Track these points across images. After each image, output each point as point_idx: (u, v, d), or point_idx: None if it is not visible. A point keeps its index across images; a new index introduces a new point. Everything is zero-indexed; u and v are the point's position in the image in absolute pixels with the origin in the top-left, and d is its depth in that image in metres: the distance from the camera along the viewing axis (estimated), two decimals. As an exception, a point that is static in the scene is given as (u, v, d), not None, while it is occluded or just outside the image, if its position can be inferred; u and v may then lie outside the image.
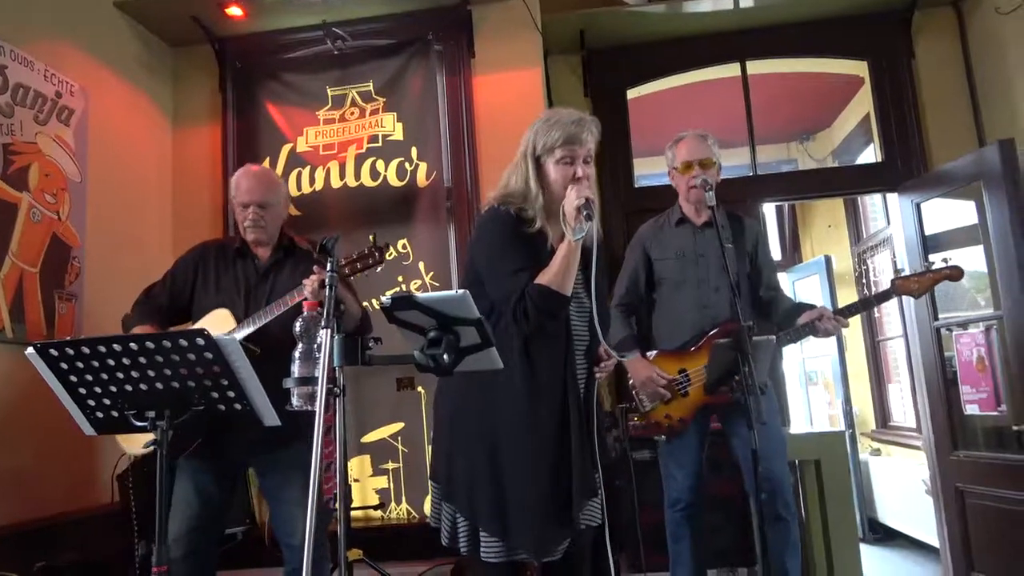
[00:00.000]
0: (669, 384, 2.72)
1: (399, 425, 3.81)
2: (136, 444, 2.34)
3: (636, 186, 4.52)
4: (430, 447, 2.30)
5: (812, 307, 2.68)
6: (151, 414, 1.72)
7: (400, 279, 3.92)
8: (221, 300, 2.46)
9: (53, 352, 1.67)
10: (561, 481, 1.87)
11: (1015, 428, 3.38)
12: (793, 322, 2.66)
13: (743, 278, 2.77)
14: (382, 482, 3.78)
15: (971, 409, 3.65)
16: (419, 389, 3.78)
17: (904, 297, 3.96)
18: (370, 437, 3.80)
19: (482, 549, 1.87)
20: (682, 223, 2.88)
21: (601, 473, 1.98)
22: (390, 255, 3.85)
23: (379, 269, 2.24)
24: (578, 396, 1.94)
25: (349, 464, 3.62)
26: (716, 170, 2.79)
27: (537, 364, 1.91)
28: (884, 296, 2.74)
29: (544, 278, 1.86)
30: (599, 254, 1.93)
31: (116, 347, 1.65)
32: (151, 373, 1.68)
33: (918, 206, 3.97)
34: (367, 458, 3.80)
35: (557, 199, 1.96)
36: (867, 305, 2.90)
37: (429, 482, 2.08)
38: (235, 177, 2.56)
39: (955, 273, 2.66)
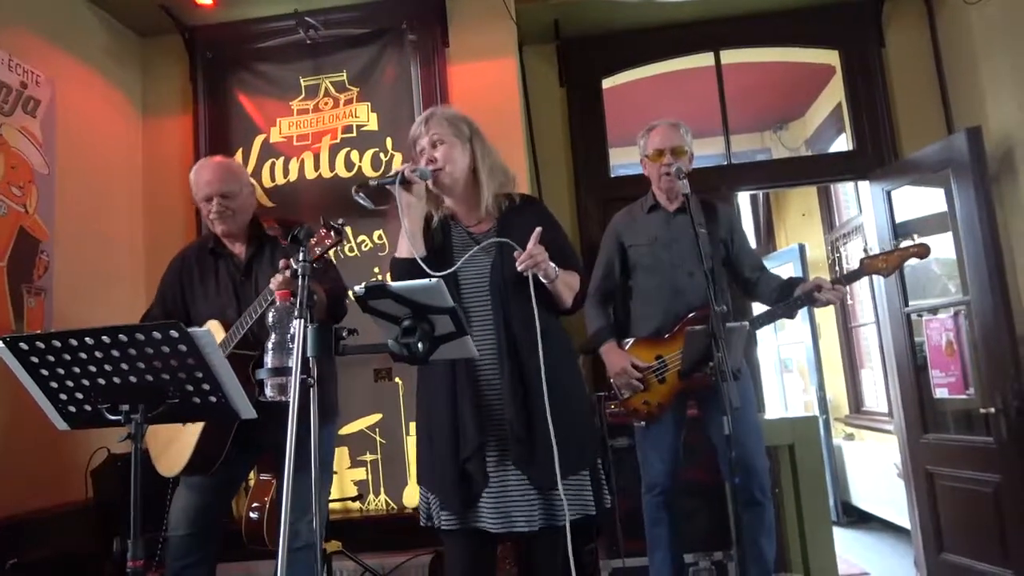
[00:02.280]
0: (644, 374, 2.74)
1: (377, 416, 3.80)
2: (174, 467, 2.35)
3: (612, 175, 4.53)
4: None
5: (803, 280, 2.71)
6: (125, 407, 1.70)
7: (376, 270, 3.91)
8: (212, 306, 2.45)
9: (23, 346, 1.65)
10: (454, 434, 1.96)
11: (982, 411, 3.45)
12: (789, 295, 2.68)
13: (717, 263, 2.79)
14: (360, 474, 3.77)
15: (940, 393, 3.72)
16: (396, 380, 3.78)
17: (876, 281, 4.11)
18: (348, 429, 3.77)
19: (443, 520, 1.97)
20: (655, 210, 2.90)
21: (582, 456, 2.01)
22: (360, 239, 3.89)
23: (339, 246, 2.24)
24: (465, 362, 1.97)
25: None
26: (688, 158, 2.82)
27: None
28: (853, 276, 2.76)
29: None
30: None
31: (88, 340, 1.63)
32: (124, 366, 1.66)
33: (888, 194, 4.02)
34: (345, 450, 3.78)
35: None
36: (839, 283, 2.92)
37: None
38: (191, 174, 2.50)
39: (922, 251, 2.66)
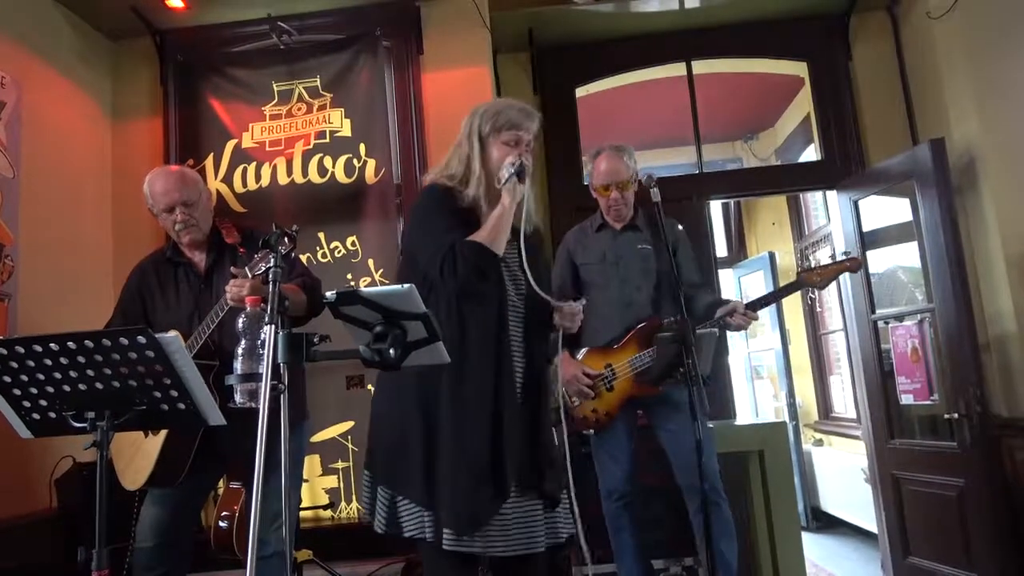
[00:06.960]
0: (593, 381, 2.79)
1: (349, 424, 3.78)
2: (137, 479, 2.31)
3: (585, 183, 4.55)
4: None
5: (727, 302, 2.75)
6: (91, 415, 1.67)
7: (349, 276, 3.89)
8: (172, 315, 2.40)
9: (-15, 352, 1.62)
10: (494, 454, 1.85)
11: (946, 416, 3.52)
12: (711, 317, 2.73)
13: (664, 276, 2.85)
14: (332, 482, 3.75)
15: (906, 399, 3.78)
16: (369, 387, 3.76)
17: (844, 288, 4.18)
18: (319, 437, 3.75)
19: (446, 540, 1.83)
20: (603, 228, 2.99)
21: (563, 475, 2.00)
22: (333, 245, 3.87)
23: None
24: (511, 372, 1.93)
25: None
26: (633, 183, 2.87)
27: (469, 338, 1.89)
28: (790, 288, 2.86)
29: (476, 236, 1.88)
30: (527, 218, 2.02)
31: (53, 346, 1.60)
32: (90, 373, 1.63)
33: (855, 203, 4.09)
34: (316, 458, 3.76)
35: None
36: (776, 297, 3.04)
37: (364, 472, 2.03)
38: (146, 185, 2.42)
39: (853, 265, 2.79)
